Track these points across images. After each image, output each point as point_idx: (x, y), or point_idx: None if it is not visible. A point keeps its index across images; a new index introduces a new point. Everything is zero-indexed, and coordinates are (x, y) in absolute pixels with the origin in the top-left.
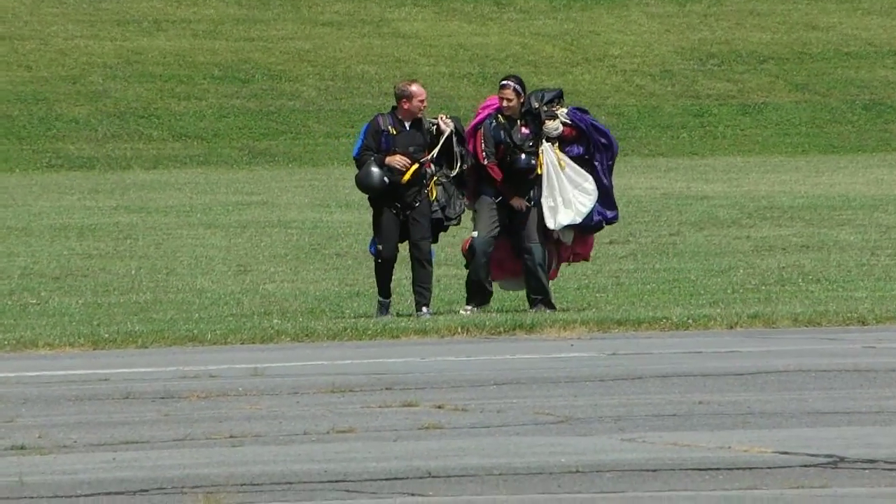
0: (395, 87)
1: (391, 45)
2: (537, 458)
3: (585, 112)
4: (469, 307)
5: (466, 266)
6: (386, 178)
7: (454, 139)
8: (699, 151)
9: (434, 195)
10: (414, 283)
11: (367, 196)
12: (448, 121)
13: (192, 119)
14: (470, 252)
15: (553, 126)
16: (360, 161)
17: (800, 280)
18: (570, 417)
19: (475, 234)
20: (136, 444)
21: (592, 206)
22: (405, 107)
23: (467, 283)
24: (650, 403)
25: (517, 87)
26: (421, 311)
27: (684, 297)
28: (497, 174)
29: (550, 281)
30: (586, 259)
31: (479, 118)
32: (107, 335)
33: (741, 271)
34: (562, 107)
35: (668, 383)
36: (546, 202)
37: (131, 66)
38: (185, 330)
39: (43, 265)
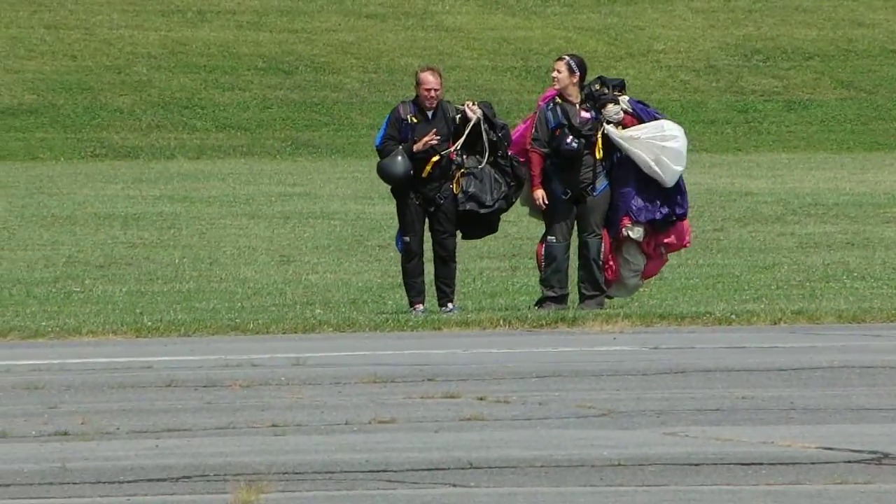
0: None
1: (434, 38)
2: (579, 451)
3: (646, 105)
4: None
5: (542, 277)
6: (409, 170)
7: (483, 126)
8: (743, 147)
9: (458, 188)
10: (436, 279)
11: (389, 188)
12: (475, 108)
13: (236, 110)
14: (548, 258)
15: (614, 110)
16: (382, 151)
17: (844, 277)
18: (613, 411)
19: (551, 238)
20: (178, 432)
21: (685, 141)
22: (416, 93)
23: (544, 283)
24: (693, 398)
25: (571, 62)
26: (445, 306)
27: (728, 292)
28: (536, 162)
29: (649, 279)
30: (685, 246)
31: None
32: (150, 323)
33: (785, 268)
34: (624, 94)
35: (711, 378)
36: (648, 168)
37: (175, 57)
38: (228, 319)
39: (87, 253)
